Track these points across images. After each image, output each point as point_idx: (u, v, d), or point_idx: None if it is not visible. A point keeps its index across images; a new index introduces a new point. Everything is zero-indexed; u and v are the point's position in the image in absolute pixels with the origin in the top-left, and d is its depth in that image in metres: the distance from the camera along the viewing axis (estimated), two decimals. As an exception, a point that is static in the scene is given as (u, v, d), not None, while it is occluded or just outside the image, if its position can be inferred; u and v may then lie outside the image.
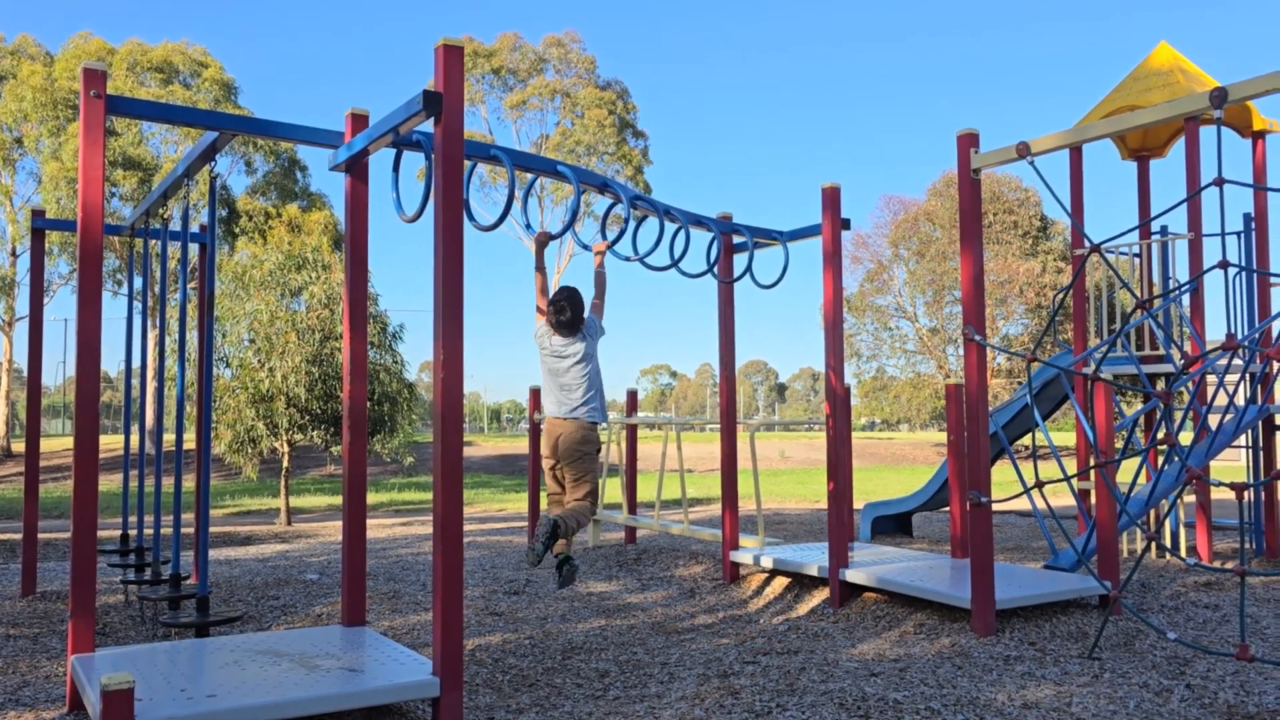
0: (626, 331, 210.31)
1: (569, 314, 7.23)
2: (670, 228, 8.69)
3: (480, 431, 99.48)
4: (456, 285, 5.52)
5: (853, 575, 8.60)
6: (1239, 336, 8.50)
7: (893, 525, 14.22)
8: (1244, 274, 11.08)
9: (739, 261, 9.61)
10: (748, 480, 25.74)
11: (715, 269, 9.38)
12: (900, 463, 49.99)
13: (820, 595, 8.92)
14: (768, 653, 7.28)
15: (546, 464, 7.40)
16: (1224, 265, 6.31)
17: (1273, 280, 11.33)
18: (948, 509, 14.07)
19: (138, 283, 26.21)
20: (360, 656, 5.94)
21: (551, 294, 7.36)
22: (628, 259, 8.20)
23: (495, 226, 6.72)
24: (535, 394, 12.87)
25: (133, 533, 12.26)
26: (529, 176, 9.06)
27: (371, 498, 27.70)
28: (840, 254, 8.96)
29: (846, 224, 9.09)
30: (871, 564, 9.11)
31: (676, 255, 8.53)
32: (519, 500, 26.42)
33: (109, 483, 28.97)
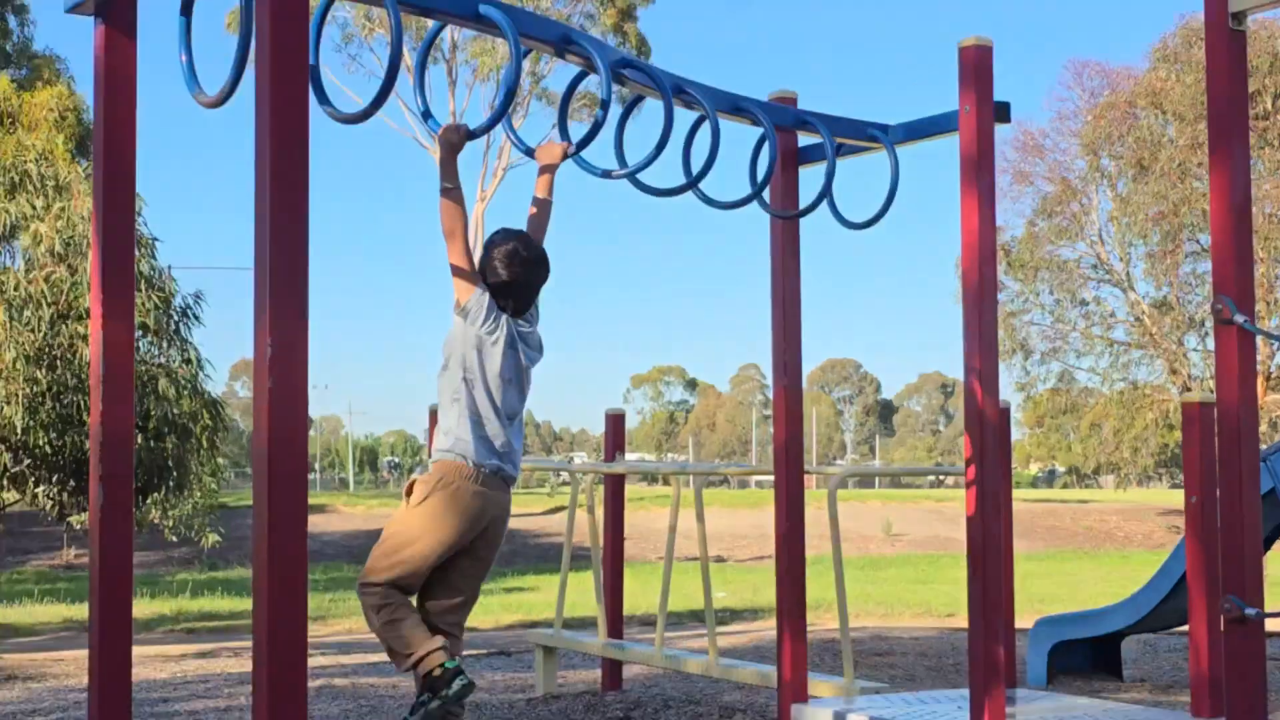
0: (607, 314, 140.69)
1: (534, 281, 4.46)
2: (684, 119, 4.88)
3: (343, 487, 66.97)
4: (294, 225, 3.56)
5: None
6: None
7: (1086, 657, 8.85)
8: None
9: (808, 181, 5.55)
10: (824, 574, 11.91)
11: (765, 194, 5.34)
12: (1101, 545, 31.74)
13: (953, 782, 4.73)
14: None
15: (441, 551, 4.26)
16: None
17: None
18: (1184, 629, 7.50)
19: None
20: None
21: (493, 239, 4.49)
22: (606, 175, 4.87)
23: (367, 115, 4.12)
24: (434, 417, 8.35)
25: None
26: (430, 26, 6.26)
27: (145, 607, 15.09)
28: (992, 167, 5.10)
29: (1004, 112, 5.25)
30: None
31: (696, 170, 4.98)
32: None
33: None
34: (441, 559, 4.24)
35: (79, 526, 20.21)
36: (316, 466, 78.11)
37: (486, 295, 4.31)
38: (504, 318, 4.33)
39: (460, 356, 4.30)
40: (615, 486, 7.87)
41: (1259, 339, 4.59)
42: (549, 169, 4.65)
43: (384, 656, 6.69)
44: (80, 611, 14.18)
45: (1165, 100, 29.41)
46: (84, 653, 6.07)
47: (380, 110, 4.25)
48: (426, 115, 4.79)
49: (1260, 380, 27.68)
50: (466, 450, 4.24)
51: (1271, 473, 7.24)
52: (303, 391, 3.63)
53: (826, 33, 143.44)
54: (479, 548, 4.33)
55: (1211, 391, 5.43)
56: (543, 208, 4.63)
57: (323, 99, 4.20)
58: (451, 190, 4.34)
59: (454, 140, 4.38)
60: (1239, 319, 4.52)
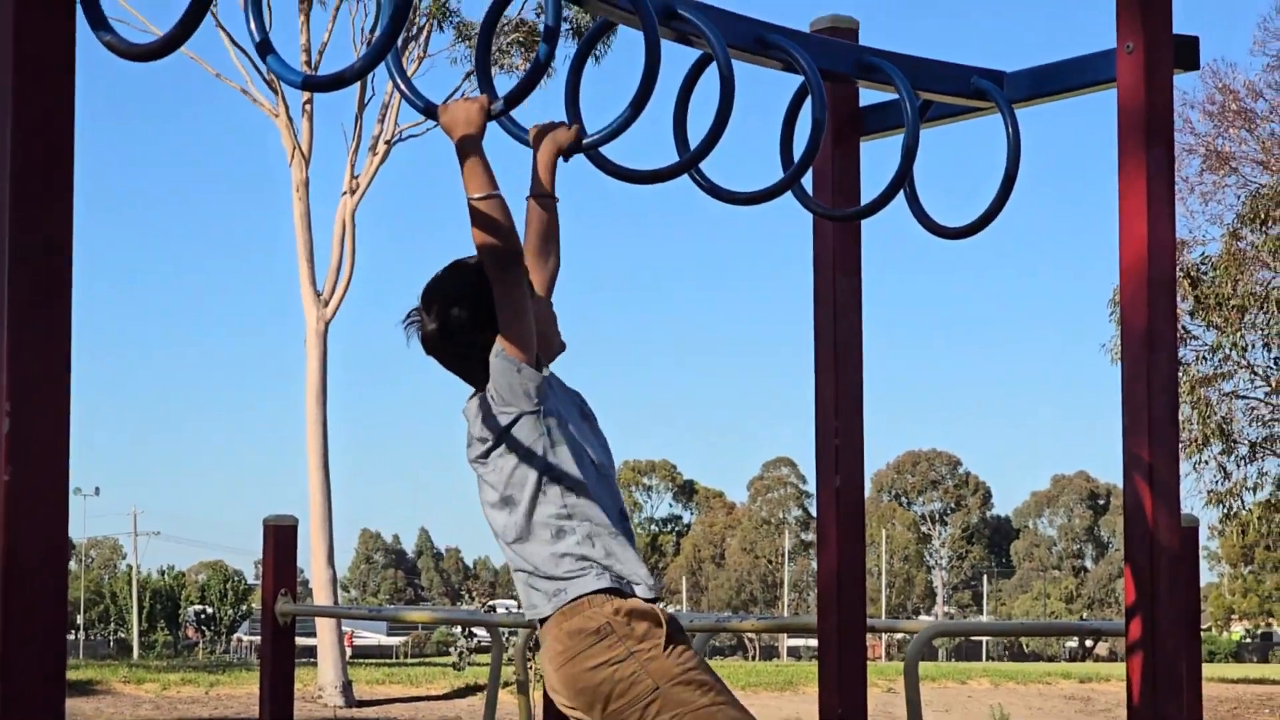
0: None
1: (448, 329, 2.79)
2: (678, 60, 3.02)
3: (123, 652, 46.65)
4: (54, 232, 2.41)
5: None
6: None
7: None
8: None
9: (875, 157, 3.66)
10: None
11: (806, 182, 3.45)
12: None
13: None
14: None
15: None
16: None
17: None
18: None
19: None
20: None
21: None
22: (561, 154, 3.01)
23: (169, 49, 2.55)
24: (282, 540, 6.15)
25: None
26: None
27: None
28: (1171, 143, 3.22)
29: (1190, 53, 3.38)
30: None
31: (696, 141, 3.18)
32: None
33: None
34: None
35: None
36: (80, 620, 58.66)
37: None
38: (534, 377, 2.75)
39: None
40: None
41: None
42: (547, 165, 2.91)
43: None
44: None
45: None
46: None
47: (189, 39, 2.58)
48: (265, 50, 2.97)
49: None
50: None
51: None
52: (61, 495, 2.37)
53: None
54: None
55: None
56: (541, 222, 2.89)
57: (97, 20, 2.62)
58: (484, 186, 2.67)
59: (564, 140, 2.89)
60: None
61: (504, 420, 2.65)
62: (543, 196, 2.85)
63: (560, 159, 2.90)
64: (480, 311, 2.69)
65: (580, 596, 2.62)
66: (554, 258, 2.90)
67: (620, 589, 2.63)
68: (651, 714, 2.55)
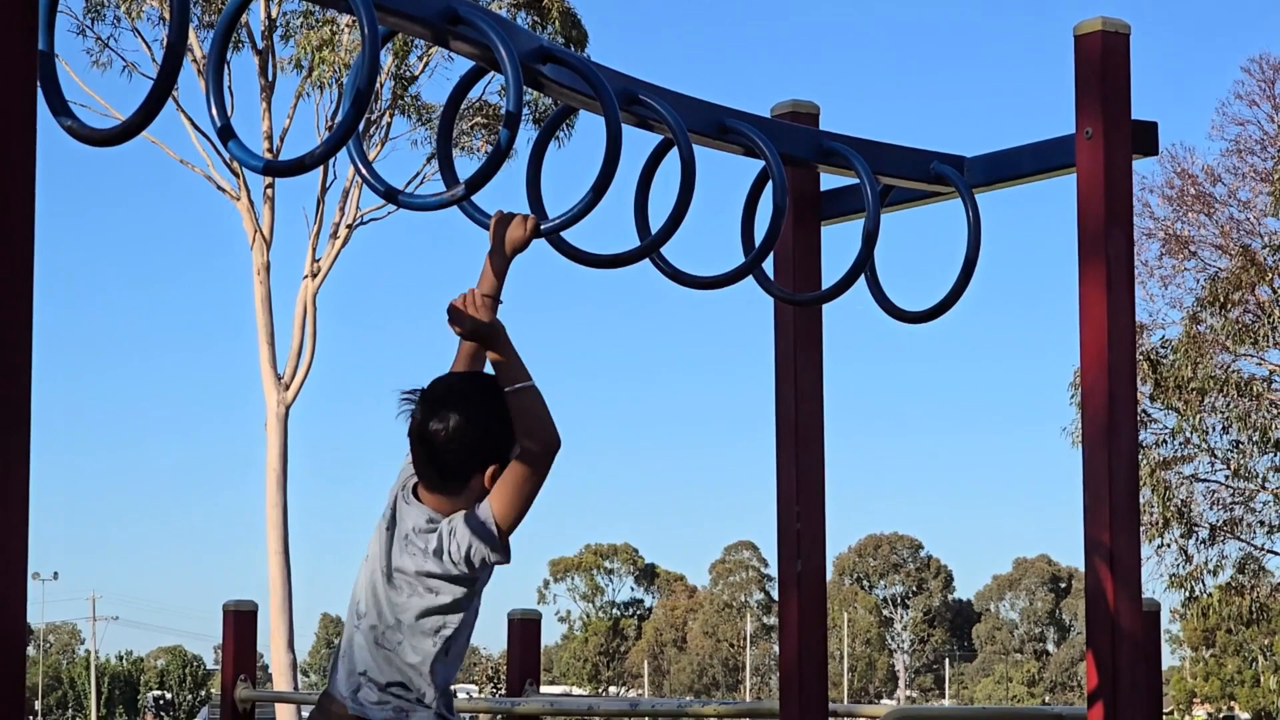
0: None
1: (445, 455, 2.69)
2: (640, 145, 3.02)
3: None
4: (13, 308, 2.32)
5: None
6: None
7: None
8: None
9: (836, 241, 3.67)
10: None
11: (768, 266, 3.45)
12: None
13: None
14: None
15: None
16: None
17: None
18: None
19: None
20: None
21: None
22: (520, 245, 2.94)
23: (131, 133, 2.60)
24: (239, 625, 6.09)
25: None
26: None
27: None
28: (1130, 227, 3.22)
29: (1149, 139, 3.39)
30: None
31: (658, 225, 3.22)
32: None
33: None
34: None
35: None
36: (38, 706, 55.89)
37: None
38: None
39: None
40: None
41: None
42: (501, 259, 2.81)
43: None
44: None
45: None
46: None
47: (151, 124, 2.61)
48: (226, 135, 2.97)
49: None
50: None
51: None
52: (19, 579, 2.36)
53: (858, 20, 75.28)
54: None
55: None
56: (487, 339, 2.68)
57: (58, 106, 2.64)
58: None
59: (519, 240, 2.80)
60: None
61: (450, 569, 2.60)
62: (488, 296, 2.72)
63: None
64: (483, 450, 2.63)
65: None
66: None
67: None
68: None
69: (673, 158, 3.18)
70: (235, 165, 20.68)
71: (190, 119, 21.21)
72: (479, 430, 2.63)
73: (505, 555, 2.62)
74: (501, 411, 2.61)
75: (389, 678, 2.63)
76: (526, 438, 2.57)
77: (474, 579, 2.63)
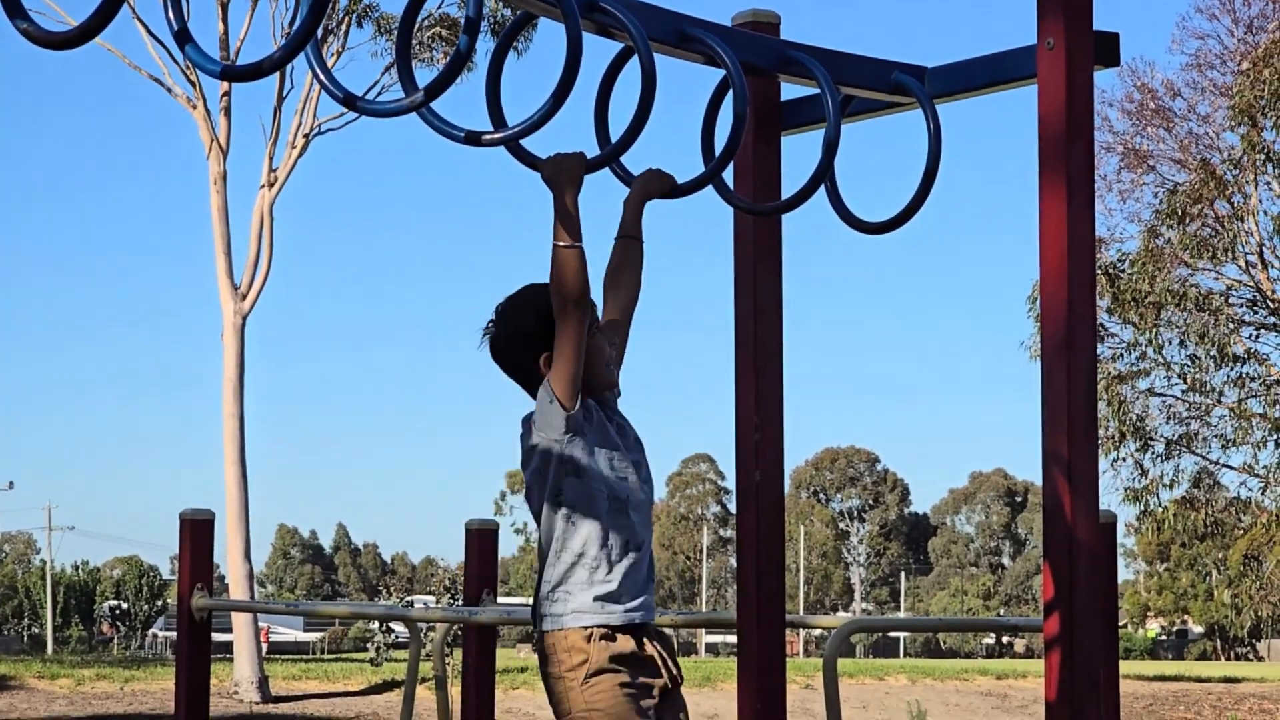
0: (465, 378, 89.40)
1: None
2: (599, 53, 2.92)
3: (37, 648, 46.06)
4: None
5: None
6: None
7: None
8: None
9: (796, 152, 3.62)
10: None
11: (727, 176, 3.42)
12: None
13: None
14: None
15: None
16: None
17: None
18: None
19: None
20: None
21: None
22: (473, 140, 3.05)
23: (86, 37, 2.54)
24: (196, 534, 6.46)
25: None
26: None
27: None
28: (1091, 140, 3.21)
29: (1110, 49, 3.38)
30: None
31: (616, 135, 3.16)
32: None
33: None
34: None
35: None
36: None
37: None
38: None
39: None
40: (481, 646, 5.51)
41: None
42: (635, 209, 3.22)
43: None
44: None
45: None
46: None
47: (106, 28, 2.54)
48: (183, 39, 2.87)
49: None
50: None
51: None
52: None
53: None
54: None
55: None
56: (635, 254, 3.21)
57: (14, 9, 2.58)
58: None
59: (580, 171, 2.99)
60: None
61: (534, 440, 2.93)
62: (627, 238, 3.16)
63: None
64: (536, 338, 2.96)
65: (553, 626, 2.93)
66: (627, 292, 3.14)
67: (567, 624, 2.90)
68: None
69: (633, 66, 3.12)
70: (192, 74, 20.30)
71: (145, 25, 20.74)
72: (511, 329, 2.99)
73: (574, 402, 2.87)
74: (539, 303, 2.93)
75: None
76: (555, 292, 2.84)
77: (537, 449, 2.92)
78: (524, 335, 2.98)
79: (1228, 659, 44.83)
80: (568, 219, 2.85)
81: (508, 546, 70.91)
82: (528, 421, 2.98)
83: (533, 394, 2.97)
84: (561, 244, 2.83)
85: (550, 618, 2.93)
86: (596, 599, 2.90)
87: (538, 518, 3.02)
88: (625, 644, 2.91)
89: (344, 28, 21.83)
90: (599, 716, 2.87)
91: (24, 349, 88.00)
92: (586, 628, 2.89)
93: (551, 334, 2.89)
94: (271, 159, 21.93)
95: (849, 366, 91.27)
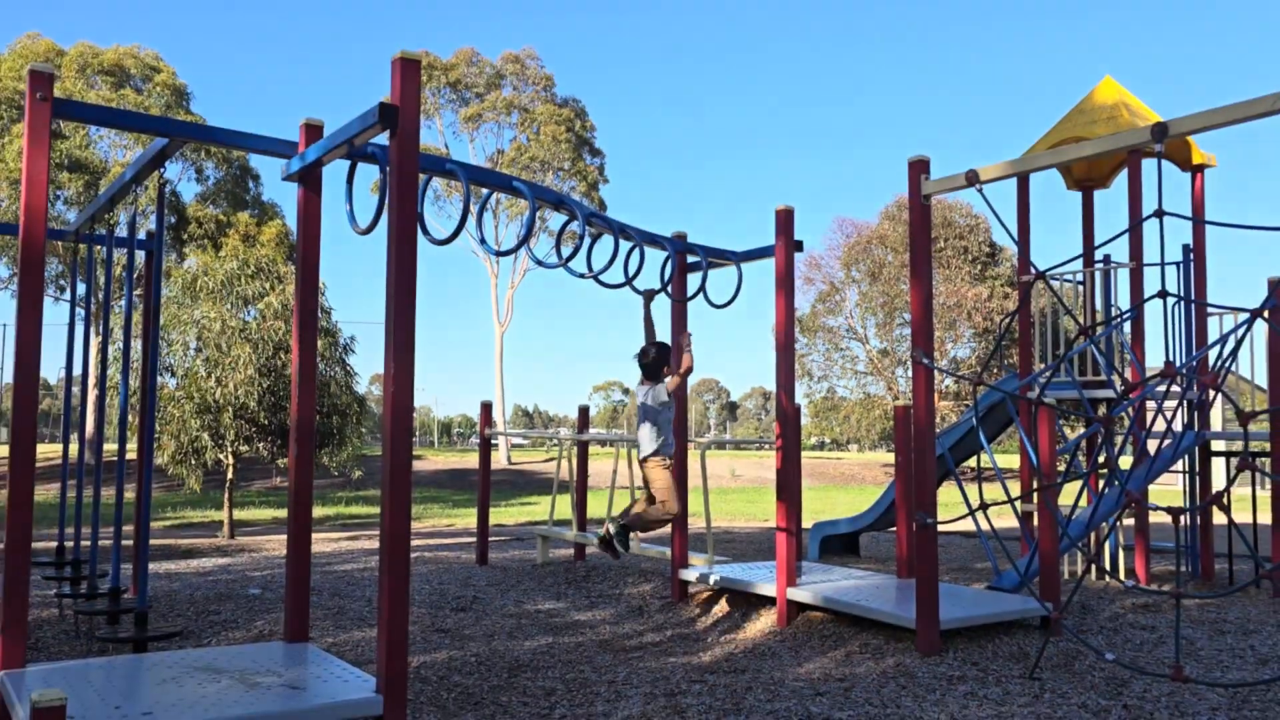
0: (579, 348, 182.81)
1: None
2: (625, 246, 8.76)
3: (430, 445, 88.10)
4: (408, 298, 5.56)
5: (799, 594, 8.69)
6: (1177, 364, 8.67)
7: (840, 545, 14.31)
8: (1182, 303, 11.27)
9: (694, 281, 9.66)
10: (698, 498, 25.50)
11: (669, 288, 9.45)
12: (849, 482, 48.27)
13: (768, 614, 8.98)
14: (714, 671, 7.31)
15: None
16: (1163, 295, 6.45)
17: (1209, 310, 11.54)
18: (894, 529, 13.86)
19: (80, 289, 25.72)
20: (302, 674, 5.91)
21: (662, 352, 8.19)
22: (581, 275, 8.21)
23: (450, 240, 6.87)
24: (486, 409, 12.96)
25: (69, 544, 12.14)
26: (484, 191, 9.14)
27: (317, 511, 26.36)
28: (793, 275, 9.07)
29: (799, 246, 9.19)
30: (818, 583, 9.21)
31: (630, 273, 8.62)
32: (468, 515, 25.49)
33: (45, 493, 28.01)
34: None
35: (281, 465, 33.67)
36: (416, 433, 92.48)
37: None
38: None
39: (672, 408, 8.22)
40: (583, 448, 13.01)
41: (935, 373, 8.50)
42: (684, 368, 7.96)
43: (451, 540, 13.49)
44: (282, 513, 25.20)
45: (887, 240, 49.58)
46: (284, 537, 13.98)
47: (457, 238, 8.13)
48: (483, 240, 8.74)
49: (938, 394, 42.09)
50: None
51: (941, 445, 11.68)
52: (410, 392, 5.59)
53: (708, 194, 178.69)
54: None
55: (910, 401, 9.59)
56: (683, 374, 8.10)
57: (424, 231, 7.51)
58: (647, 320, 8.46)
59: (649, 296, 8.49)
60: (925, 361, 8.16)
61: (664, 399, 8.00)
62: (686, 372, 8.01)
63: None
64: (662, 362, 8.02)
65: (657, 452, 8.10)
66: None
67: (659, 454, 8.11)
68: (659, 488, 8.20)
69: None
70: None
71: (469, 236, 39.57)
72: (656, 357, 8.07)
73: (671, 399, 8.23)
74: (665, 352, 8.20)
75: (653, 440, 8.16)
76: (683, 375, 8.07)
77: (668, 405, 8.03)
78: (661, 361, 7.92)
79: (839, 450, 79.70)
80: (689, 373, 7.81)
81: (593, 411, 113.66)
82: (656, 393, 7.92)
83: (655, 381, 7.92)
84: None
85: (652, 451, 8.02)
86: (664, 446, 8.16)
87: (651, 417, 7.97)
88: (668, 463, 8.23)
89: (537, 233, 44.67)
90: (663, 481, 8.11)
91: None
92: (660, 455, 8.16)
93: (667, 361, 7.95)
94: (496, 311, 41.59)
95: (715, 356, 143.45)
